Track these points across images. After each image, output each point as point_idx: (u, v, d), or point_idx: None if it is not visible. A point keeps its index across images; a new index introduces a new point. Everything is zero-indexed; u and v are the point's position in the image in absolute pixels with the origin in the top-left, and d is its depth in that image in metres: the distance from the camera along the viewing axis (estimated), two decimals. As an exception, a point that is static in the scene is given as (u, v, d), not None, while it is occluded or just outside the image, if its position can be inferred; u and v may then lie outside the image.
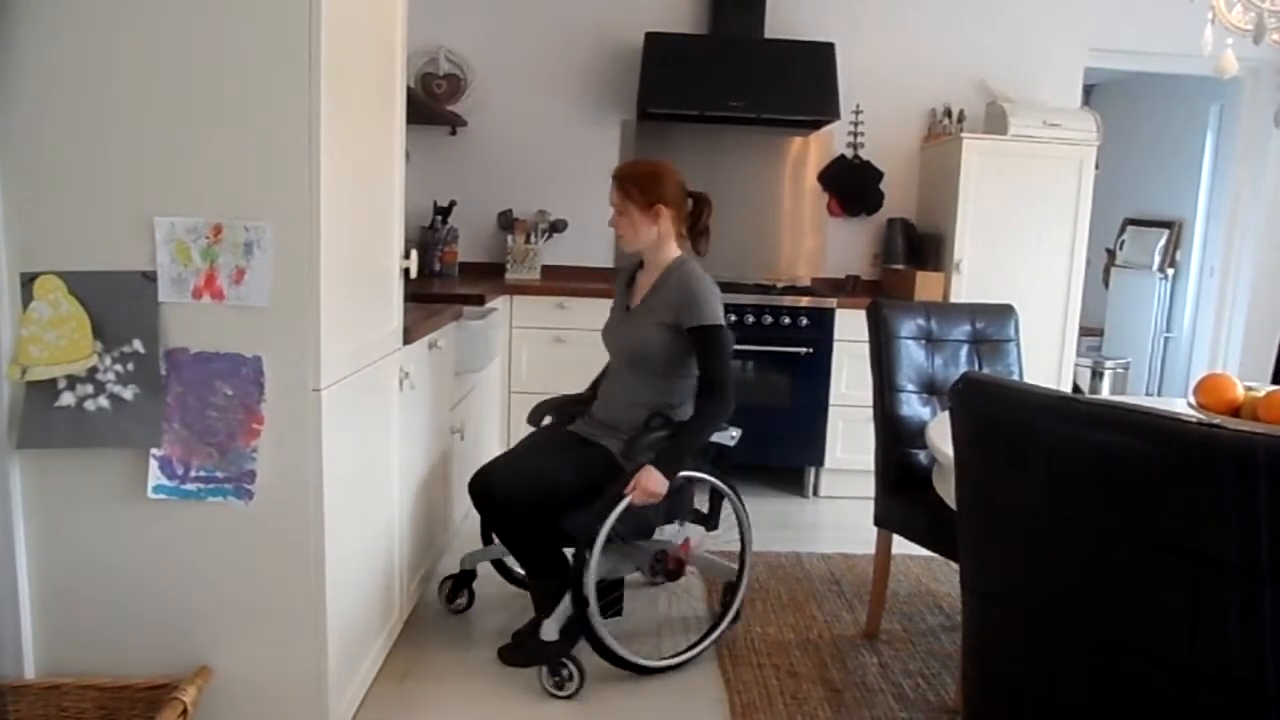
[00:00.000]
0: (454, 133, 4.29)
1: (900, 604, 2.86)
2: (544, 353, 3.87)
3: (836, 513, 3.88)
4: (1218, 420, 1.68)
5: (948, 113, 4.33)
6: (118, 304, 1.66)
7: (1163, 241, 5.39)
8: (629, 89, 4.22)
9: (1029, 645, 1.14)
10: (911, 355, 2.55)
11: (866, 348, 2.57)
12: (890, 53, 4.35)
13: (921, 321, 2.59)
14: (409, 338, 2.31)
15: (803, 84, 3.98)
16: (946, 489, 1.98)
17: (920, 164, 4.43)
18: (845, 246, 4.46)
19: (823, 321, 3.88)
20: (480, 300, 3.24)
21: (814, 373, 3.90)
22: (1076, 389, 4.84)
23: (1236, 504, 0.88)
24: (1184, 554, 0.93)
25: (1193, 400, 1.96)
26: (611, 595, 2.47)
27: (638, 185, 2.40)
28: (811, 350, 3.87)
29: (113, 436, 1.68)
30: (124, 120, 1.63)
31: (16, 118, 1.62)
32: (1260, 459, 0.85)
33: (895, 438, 2.49)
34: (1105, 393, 5.01)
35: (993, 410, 1.16)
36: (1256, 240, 4.68)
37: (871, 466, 2.60)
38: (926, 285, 3.97)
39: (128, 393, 1.68)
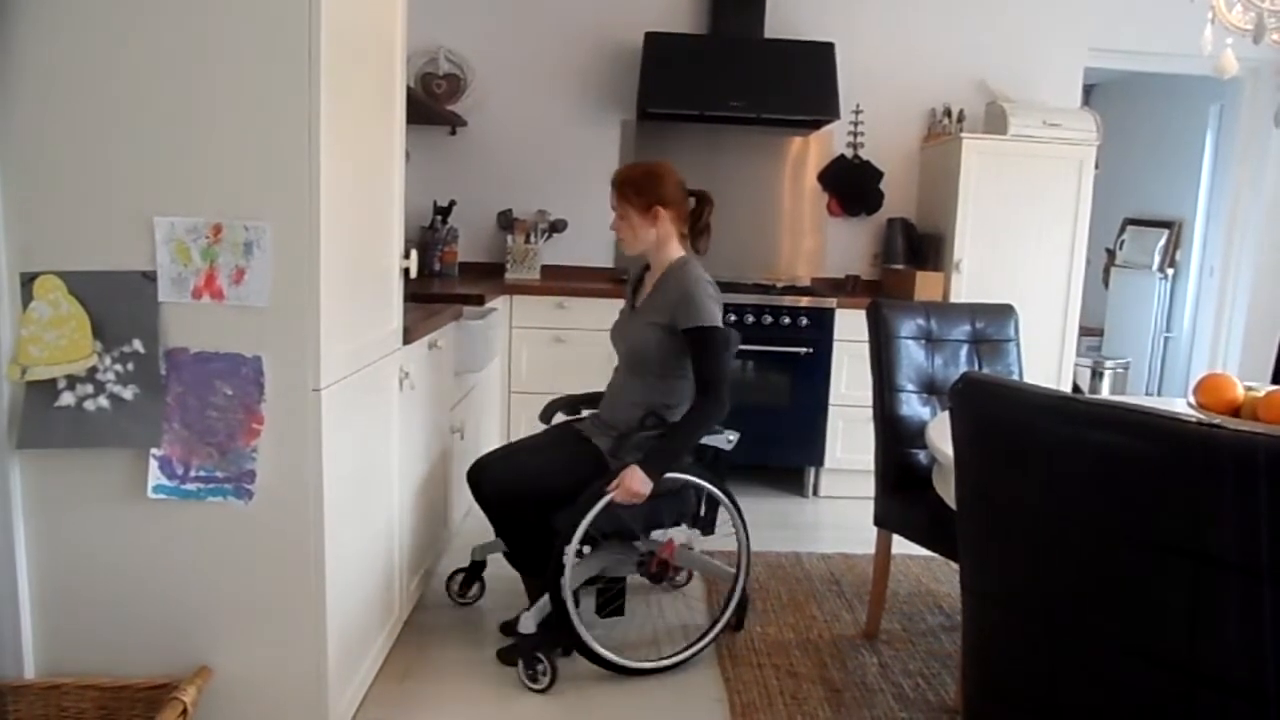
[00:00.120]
0: (454, 133, 4.29)
1: (900, 604, 2.86)
2: (544, 353, 3.87)
3: (836, 513, 3.88)
4: (1218, 420, 1.68)
5: (948, 113, 4.33)
6: (118, 304, 1.66)
7: (1163, 241, 5.39)
8: (629, 89, 4.22)
9: (1029, 645, 1.14)
10: (911, 355, 2.55)
11: (866, 348, 2.57)
12: (890, 53, 4.35)
13: (921, 321, 2.59)
14: (409, 338, 2.31)
15: (803, 84, 3.98)
16: (946, 489, 1.98)
17: (920, 164, 4.43)
18: (845, 246, 4.46)
19: (823, 321, 3.88)
20: (480, 300, 3.24)
21: (814, 373, 3.90)
22: (1076, 389, 4.84)
23: (1236, 504, 0.88)
24: (1184, 554, 0.93)
25: (1193, 400, 1.96)
26: (611, 595, 2.47)
27: (634, 188, 2.41)
28: (811, 350, 3.87)
29: (113, 436, 1.68)
30: (124, 120, 1.63)
31: (16, 118, 1.62)
32: (1260, 459, 0.85)
33: (895, 438, 2.49)
34: (1105, 393, 5.01)
35: (993, 410, 1.16)
36: (1256, 240, 4.68)
37: (871, 466, 2.60)
38: (926, 285, 3.97)
39: (128, 393, 1.68)
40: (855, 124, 4.37)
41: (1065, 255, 4.01)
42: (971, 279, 3.98)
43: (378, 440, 2.14)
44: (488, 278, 4.11)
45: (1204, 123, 5.16)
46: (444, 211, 4.17)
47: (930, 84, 4.38)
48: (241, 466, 1.71)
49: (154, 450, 1.70)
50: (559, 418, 2.69)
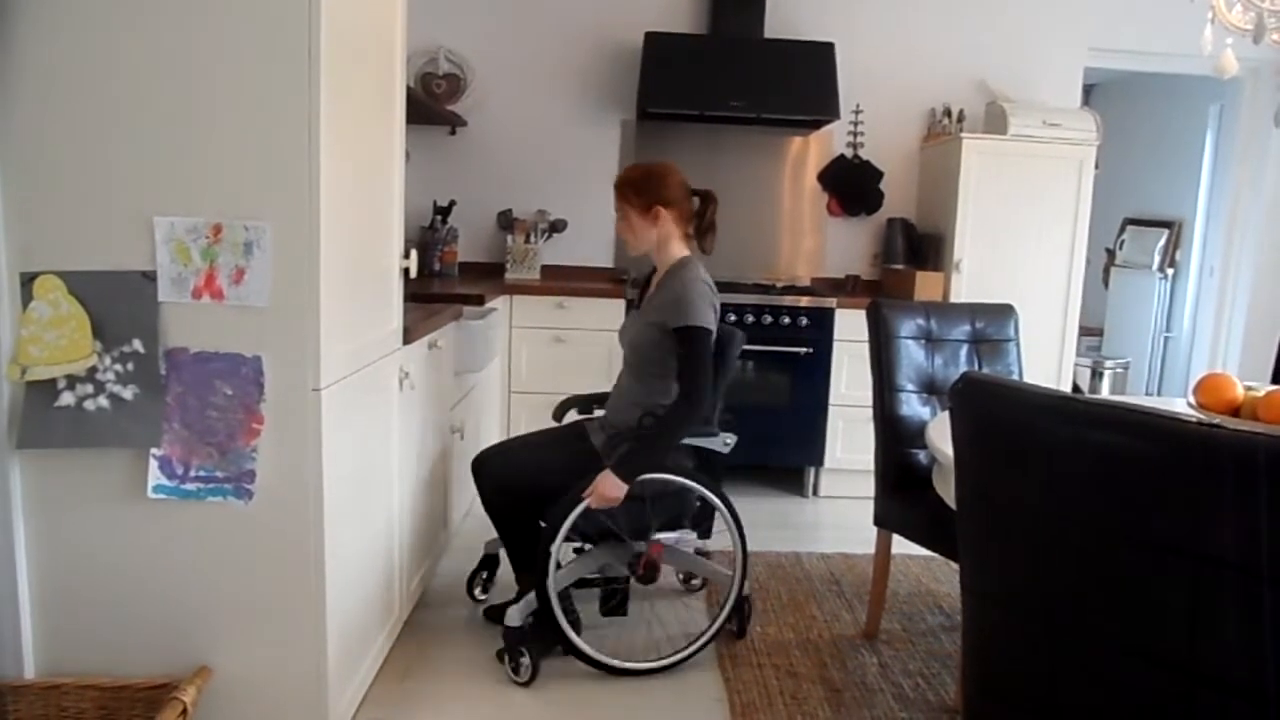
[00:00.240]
0: (454, 133, 4.29)
1: (900, 604, 2.86)
2: (544, 352, 3.87)
3: (836, 513, 3.88)
4: (1218, 420, 1.68)
5: (948, 113, 4.33)
6: (118, 304, 1.66)
7: (1163, 241, 5.39)
8: (629, 89, 4.22)
9: (1029, 645, 1.14)
10: (911, 355, 2.55)
11: (866, 348, 2.57)
12: (890, 53, 4.35)
13: (921, 321, 2.59)
14: (409, 338, 2.31)
15: (803, 84, 3.98)
16: (946, 489, 1.98)
17: (920, 164, 4.43)
18: (845, 246, 4.46)
19: (823, 321, 3.88)
20: (480, 300, 3.24)
21: (814, 373, 3.90)
22: (1076, 389, 4.84)
23: (1236, 504, 0.88)
24: (1184, 554, 0.93)
25: (1193, 400, 1.96)
26: (614, 595, 2.48)
27: (633, 189, 2.41)
28: (811, 350, 3.87)
29: (113, 436, 1.68)
30: (124, 120, 1.63)
31: (16, 118, 1.62)
32: (1260, 459, 0.85)
33: (895, 438, 2.49)
34: (1105, 393, 5.01)
35: (993, 410, 1.16)
36: (1256, 240, 4.68)
37: (871, 466, 2.60)
38: (926, 285, 3.97)
39: (128, 393, 1.68)
40: (855, 124, 4.37)
41: (1065, 255, 4.01)
42: (971, 279, 3.98)
43: (378, 440, 2.14)
44: (488, 278, 4.11)
45: (1204, 123, 5.16)
46: (444, 211, 4.17)
47: (930, 84, 4.38)
48: (241, 466, 1.71)
49: (154, 450, 1.70)
50: (572, 415, 2.70)
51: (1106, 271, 5.88)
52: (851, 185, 4.40)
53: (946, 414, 1.40)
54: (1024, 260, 3.99)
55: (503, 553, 2.63)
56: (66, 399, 1.67)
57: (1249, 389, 1.90)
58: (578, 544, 2.44)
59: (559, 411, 2.74)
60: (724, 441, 2.42)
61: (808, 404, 3.92)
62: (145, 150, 1.63)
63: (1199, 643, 0.93)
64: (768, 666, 2.43)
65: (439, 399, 2.75)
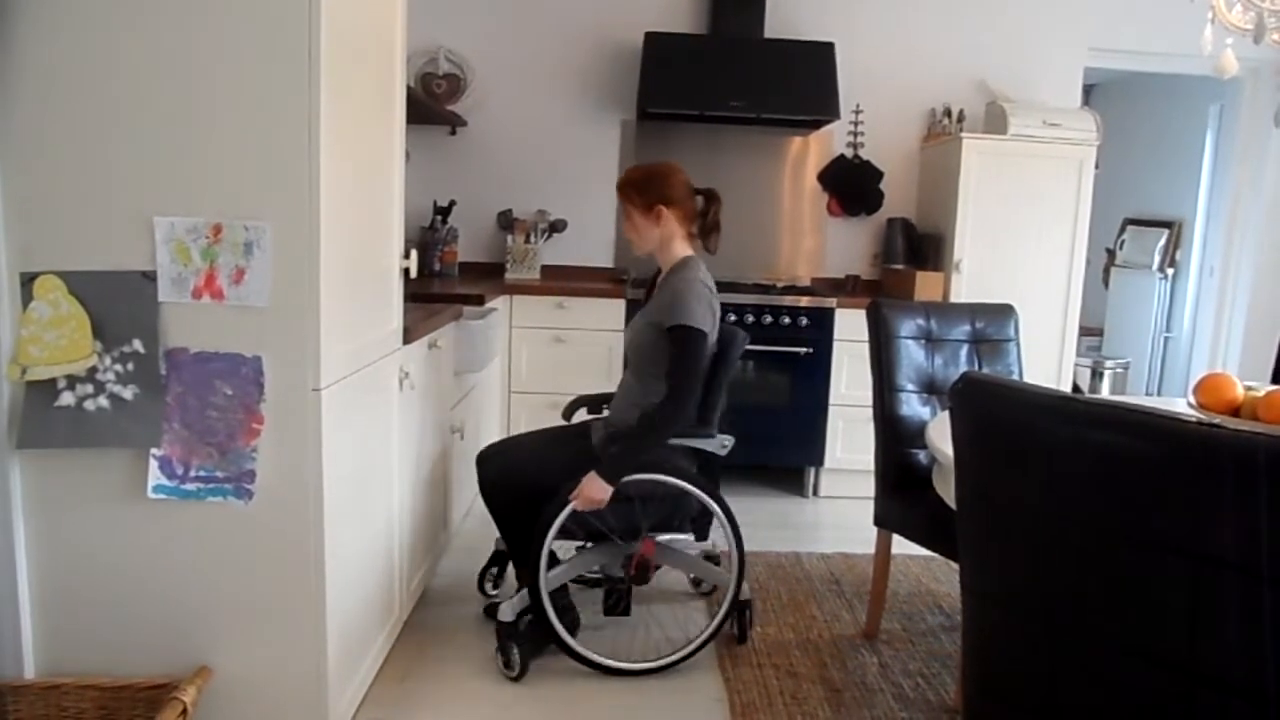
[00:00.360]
0: (454, 133, 4.29)
1: (900, 604, 2.86)
2: (544, 352, 3.87)
3: (836, 513, 3.88)
4: (1218, 420, 1.68)
5: (948, 113, 4.33)
6: (118, 304, 1.66)
7: (1163, 241, 5.39)
8: (629, 89, 4.22)
9: (1029, 645, 1.14)
10: (911, 355, 2.55)
11: (866, 348, 2.57)
12: (890, 53, 4.35)
13: (921, 321, 2.59)
14: (409, 338, 2.31)
15: (803, 84, 3.98)
16: (946, 489, 1.98)
17: (920, 164, 4.43)
18: (845, 246, 4.46)
19: (823, 321, 3.88)
20: (480, 300, 3.24)
21: (814, 373, 3.90)
22: (1076, 389, 4.84)
23: (1236, 504, 0.88)
24: (1184, 554, 0.93)
25: (1193, 400, 1.96)
26: (617, 595, 2.48)
27: (635, 189, 2.41)
28: (811, 350, 3.87)
29: (113, 436, 1.68)
30: (124, 120, 1.63)
31: (16, 118, 1.62)
32: (1260, 459, 0.85)
33: (895, 438, 2.49)
34: (1105, 393, 5.01)
35: (993, 410, 1.16)
36: (1256, 240, 4.68)
37: (871, 466, 2.60)
38: (926, 285, 3.97)
39: (128, 393, 1.68)
40: (855, 124, 4.37)
41: (1065, 255, 4.01)
42: (971, 279, 3.97)
43: (378, 440, 2.14)
44: (488, 278, 4.11)
45: (1204, 123, 5.16)
46: (444, 211, 4.17)
47: (930, 84, 4.38)
48: (241, 466, 1.71)
49: (154, 450, 1.70)
50: (582, 414, 2.70)
51: (1106, 271, 5.88)
52: (851, 185, 4.40)
53: (946, 414, 1.40)
54: (1024, 260, 3.99)
55: None
56: (66, 399, 1.67)
57: (1249, 389, 1.90)
58: (580, 542, 2.45)
59: (568, 410, 2.75)
60: (721, 444, 2.40)
61: (808, 404, 3.92)
62: (145, 150, 1.63)
63: (1199, 643, 0.93)
64: (768, 666, 2.43)
65: (439, 399, 2.75)
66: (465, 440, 3.13)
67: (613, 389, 2.64)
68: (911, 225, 4.32)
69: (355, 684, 2.03)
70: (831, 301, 3.89)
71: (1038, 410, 1.09)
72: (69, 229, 1.65)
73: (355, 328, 1.93)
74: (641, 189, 2.40)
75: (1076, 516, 1.04)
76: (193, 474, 1.71)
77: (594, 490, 2.21)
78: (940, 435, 1.89)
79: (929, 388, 2.55)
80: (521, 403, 3.88)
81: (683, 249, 2.45)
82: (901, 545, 2.51)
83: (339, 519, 1.84)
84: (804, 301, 3.88)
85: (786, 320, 3.85)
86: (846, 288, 4.31)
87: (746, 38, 4.10)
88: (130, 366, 1.68)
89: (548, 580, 2.28)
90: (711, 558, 2.71)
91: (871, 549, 2.63)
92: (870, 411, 2.58)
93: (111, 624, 1.76)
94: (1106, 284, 5.88)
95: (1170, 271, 5.36)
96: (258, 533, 1.74)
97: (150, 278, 1.66)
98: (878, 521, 2.56)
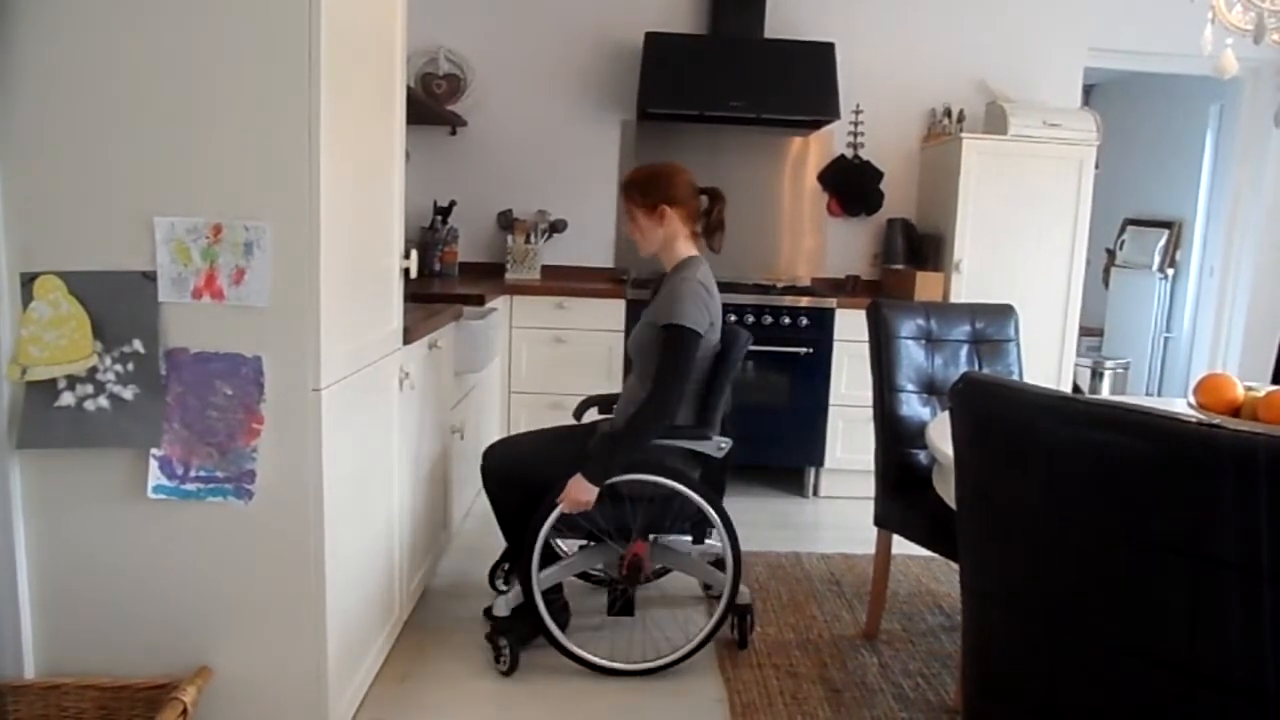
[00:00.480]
0: (454, 133, 4.29)
1: (900, 604, 2.86)
2: (544, 353, 3.87)
3: (836, 513, 3.88)
4: (1218, 420, 1.68)
5: (948, 113, 4.33)
6: (118, 304, 1.66)
7: (1163, 241, 5.39)
8: (629, 89, 4.22)
9: (1029, 645, 1.14)
10: (911, 355, 2.55)
11: (866, 348, 2.57)
12: (890, 53, 4.35)
13: (921, 321, 2.59)
14: (409, 338, 2.31)
15: (803, 84, 3.98)
16: (946, 489, 1.98)
17: (920, 164, 4.43)
18: (845, 246, 4.46)
19: (823, 321, 3.88)
20: (480, 300, 3.24)
21: (814, 373, 3.90)
22: (1076, 389, 4.84)
23: (1236, 504, 0.88)
24: (1184, 554, 0.93)
25: (1193, 400, 1.96)
26: (621, 595, 2.47)
27: (639, 189, 2.41)
28: (811, 350, 3.87)
29: (113, 436, 1.68)
30: (124, 120, 1.63)
31: (16, 118, 1.62)
32: (1260, 459, 0.85)
33: (895, 438, 2.49)
34: (1105, 393, 5.01)
35: (993, 410, 1.16)
36: (1256, 240, 4.68)
37: (871, 466, 2.60)
38: (926, 285, 3.97)
39: (128, 393, 1.68)
40: (855, 124, 4.37)
41: (1065, 255, 4.01)
42: (971, 279, 3.97)
43: (378, 440, 2.14)
44: (488, 278, 4.11)
45: (1204, 123, 5.16)
46: (444, 211, 4.17)
47: (930, 84, 4.38)
48: (241, 466, 1.71)
49: (154, 450, 1.70)
50: (593, 414, 2.70)
51: (1106, 272, 5.88)
52: (851, 185, 4.40)
53: (946, 414, 1.40)
54: (1024, 260, 3.99)
55: None
56: (67, 399, 1.67)
57: (1249, 389, 1.90)
58: (583, 540, 2.45)
59: (579, 410, 2.76)
60: (718, 446, 2.37)
61: (808, 404, 3.92)
62: (145, 150, 1.63)
63: (1199, 643, 0.93)
64: (768, 666, 2.43)
65: (439, 399, 2.75)
66: (465, 440, 3.13)
67: (606, 389, 2.64)
68: (911, 225, 4.32)
69: (355, 684, 2.03)
70: (831, 301, 3.89)
71: (1038, 410, 1.09)
72: (69, 229, 1.65)
73: (355, 328, 1.93)
74: (645, 189, 2.40)
75: (1076, 516, 1.04)
76: (193, 474, 1.71)
77: (579, 492, 2.21)
78: (940, 435, 1.89)
79: (929, 388, 2.55)
80: (521, 403, 3.88)
81: (686, 249, 2.44)
82: (901, 545, 2.51)
83: (339, 519, 1.84)
84: (804, 302, 3.88)
85: (786, 320, 3.85)
86: (846, 288, 4.31)
87: (746, 38, 4.10)
88: (130, 366, 1.68)
89: (540, 580, 2.30)
90: (717, 562, 2.70)
91: (871, 549, 2.63)
92: (870, 411, 2.58)
93: (111, 624, 1.76)
94: (1106, 284, 5.88)
95: (1170, 272, 5.36)
96: (258, 533, 1.74)
97: (150, 278, 1.66)
98: (878, 521, 2.56)
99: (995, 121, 4.08)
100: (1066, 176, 3.95)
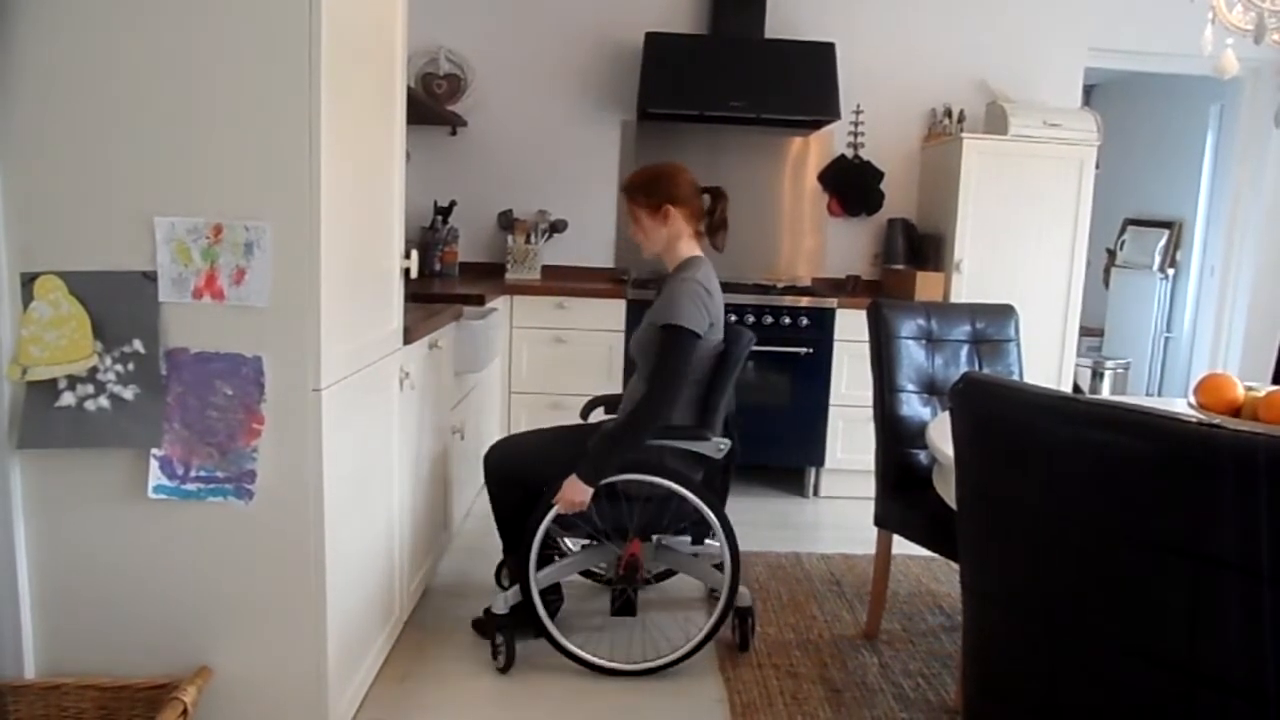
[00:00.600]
0: (454, 133, 4.29)
1: (900, 604, 2.86)
2: (544, 353, 3.87)
3: (836, 513, 3.88)
4: (1218, 420, 1.68)
5: (948, 113, 4.33)
6: (118, 304, 1.66)
7: (1163, 241, 5.39)
8: (629, 89, 4.22)
9: (1029, 645, 1.14)
10: (911, 355, 2.55)
11: (866, 348, 2.57)
12: (890, 53, 4.35)
13: (921, 321, 2.59)
14: (409, 338, 2.31)
15: (803, 84, 3.98)
16: (946, 489, 1.98)
17: (920, 164, 4.43)
18: (845, 246, 4.46)
19: (823, 321, 3.88)
20: (480, 300, 3.24)
21: (814, 373, 3.90)
22: (1076, 389, 4.84)
23: (1236, 504, 0.88)
24: (1184, 554, 0.93)
25: (1193, 400, 1.96)
26: (623, 595, 2.47)
27: (641, 190, 2.41)
28: (811, 350, 3.87)
29: (113, 436, 1.68)
30: (124, 120, 1.63)
31: (16, 118, 1.62)
32: (1260, 459, 0.85)
33: (895, 438, 2.49)
34: (1105, 393, 5.01)
35: (993, 410, 1.16)
36: (1256, 240, 4.68)
37: (871, 466, 2.60)
38: (926, 285, 3.97)
39: (128, 393, 1.68)
40: (855, 124, 4.37)
41: (1065, 255, 4.01)
42: (972, 279, 3.98)
43: (378, 440, 2.14)
44: (488, 278, 4.11)
45: (1204, 123, 5.16)
46: (444, 211, 4.17)
47: (930, 84, 4.38)
48: (242, 466, 1.71)
49: (154, 450, 1.70)
50: (599, 414, 2.71)
51: (1107, 272, 5.88)
52: (852, 185, 4.40)
53: (947, 414, 1.40)
54: (1024, 261, 3.99)
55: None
56: (67, 399, 1.67)
57: (1249, 389, 1.90)
58: (585, 539, 2.45)
59: (585, 410, 2.76)
60: (717, 447, 2.35)
61: (808, 404, 3.92)
62: (145, 150, 1.63)
63: (1199, 643, 0.93)
64: (768, 667, 2.43)
65: (439, 399, 2.75)
66: (465, 440, 3.13)
67: (608, 390, 2.65)
68: (912, 225, 4.32)
69: (355, 684, 2.03)
70: (832, 302, 3.89)
71: (1038, 410, 1.09)
72: (69, 229, 1.65)
73: (355, 328, 1.93)
74: (648, 190, 2.40)
75: (1076, 516, 1.04)
76: (193, 474, 1.71)
77: (573, 492, 2.21)
78: (940, 435, 1.89)
79: (929, 388, 2.55)
80: (522, 403, 3.88)
81: (688, 249, 2.44)
82: (901, 545, 2.51)
83: (339, 519, 1.84)
84: (804, 302, 3.88)
85: (787, 320, 3.85)
86: (847, 288, 4.31)
87: (747, 38, 4.10)
88: (131, 366, 1.68)
89: (538, 580, 2.30)
90: (720, 563, 2.70)
91: (872, 549, 2.63)
92: (870, 411, 2.58)
93: (112, 624, 1.76)
94: (1107, 284, 5.88)
95: (1170, 272, 5.36)
96: (258, 533, 1.74)
97: (151, 278, 1.66)
98: (878, 522, 2.56)
99: (995, 121, 4.08)
100: (1067, 176, 3.95)
